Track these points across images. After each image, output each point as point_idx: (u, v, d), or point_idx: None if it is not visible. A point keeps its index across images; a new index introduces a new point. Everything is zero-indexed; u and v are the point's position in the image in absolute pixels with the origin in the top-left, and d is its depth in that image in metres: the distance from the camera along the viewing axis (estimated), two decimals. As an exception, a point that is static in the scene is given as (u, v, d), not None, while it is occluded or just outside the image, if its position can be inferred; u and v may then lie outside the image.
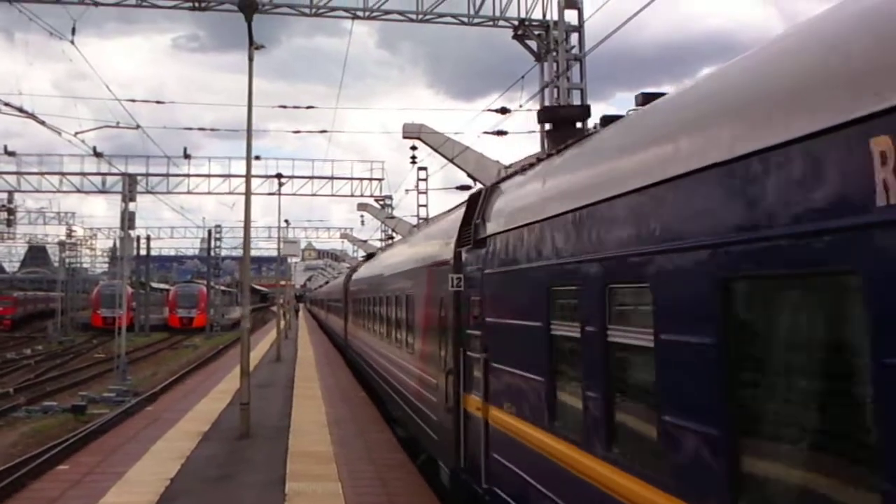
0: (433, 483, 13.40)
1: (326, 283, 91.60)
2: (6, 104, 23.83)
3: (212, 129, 73.38)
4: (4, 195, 60.97)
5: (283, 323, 45.91)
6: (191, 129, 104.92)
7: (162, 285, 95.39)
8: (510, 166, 26.94)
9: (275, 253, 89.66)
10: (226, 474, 13.77)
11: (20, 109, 24.30)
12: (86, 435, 21.78)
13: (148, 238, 74.13)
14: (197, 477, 13.54)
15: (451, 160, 26.67)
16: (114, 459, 15.07)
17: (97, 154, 39.25)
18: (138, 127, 31.38)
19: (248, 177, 18.04)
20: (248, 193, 18.00)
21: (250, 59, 17.35)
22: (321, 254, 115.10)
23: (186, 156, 51.11)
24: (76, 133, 29.99)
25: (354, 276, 37.49)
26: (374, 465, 14.70)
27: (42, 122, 25.49)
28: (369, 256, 41.69)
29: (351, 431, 18.08)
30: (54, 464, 17.81)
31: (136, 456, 15.16)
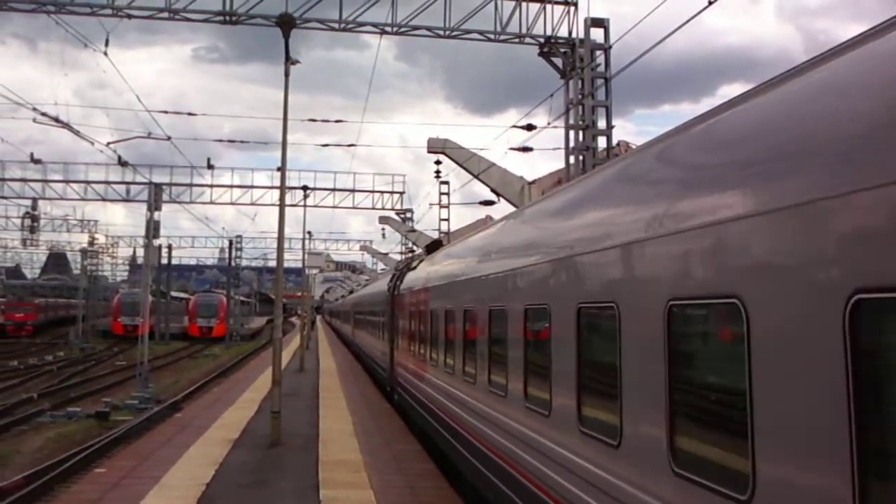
0: (463, 491, 13.62)
1: (350, 292, 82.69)
2: (43, 114, 24.34)
3: (241, 141, 74.26)
4: (28, 202, 61.83)
5: (304, 333, 46.01)
6: (221, 140, 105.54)
7: (181, 294, 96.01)
8: (534, 182, 27.34)
9: (293, 264, 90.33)
10: (260, 480, 14.06)
11: (56, 119, 24.84)
12: (112, 441, 22.16)
13: (170, 247, 74.80)
14: (232, 482, 13.83)
15: (476, 176, 27.02)
16: (149, 464, 15.38)
17: (123, 163, 39.63)
18: (169, 138, 31.87)
19: (282, 188, 18.39)
20: (282, 205, 18.35)
21: (286, 75, 17.70)
22: (340, 266, 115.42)
23: (210, 166, 51.76)
24: (108, 143, 30.50)
25: (410, 278, 23.52)
26: (403, 474, 14.94)
27: (77, 133, 26.00)
28: (433, 246, 27.43)
29: (378, 441, 18.33)
30: (81, 469, 18.21)
31: (170, 461, 15.46)
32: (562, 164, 23.33)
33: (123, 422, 26.45)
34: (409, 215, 53.62)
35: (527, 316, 9.67)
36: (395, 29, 25.61)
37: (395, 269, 37.74)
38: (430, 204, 44.33)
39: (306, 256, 48.88)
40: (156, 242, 38.74)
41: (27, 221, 65.86)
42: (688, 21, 11.56)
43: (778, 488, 4.59)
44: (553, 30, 24.84)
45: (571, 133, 22.81)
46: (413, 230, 50.31)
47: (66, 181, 55.92)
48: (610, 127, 22.87)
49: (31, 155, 48.82)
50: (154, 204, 36.33)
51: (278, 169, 19.21)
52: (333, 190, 55.20)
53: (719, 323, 5.56)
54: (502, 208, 28.04)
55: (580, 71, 23.23)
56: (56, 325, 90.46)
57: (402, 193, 54.24)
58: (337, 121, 61.53)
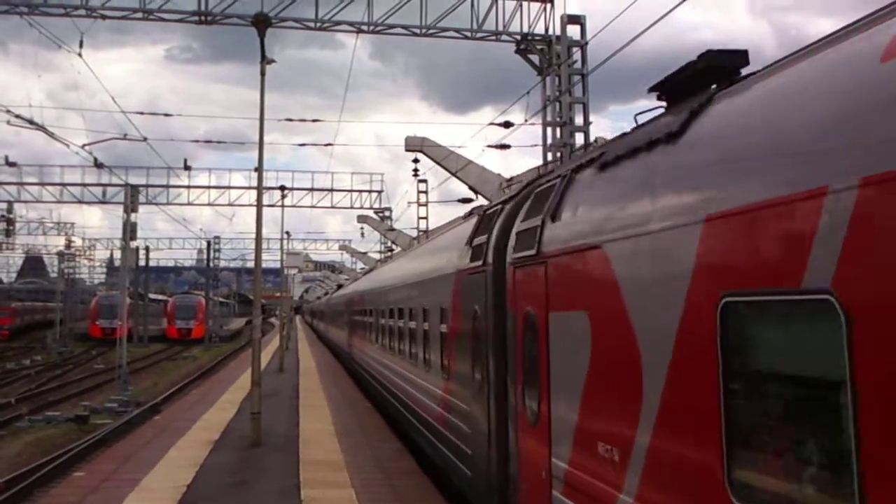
0: (444, 489, 13.63)
1: (339, 286, 66.80)
2: (17, 116, 24.14)
3: (218, 142, 73.64)
4: (3, 205, 61.32)
5: (283, 333, 45.87)
6: (197, 141, 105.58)
7: (159, 296, 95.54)
8: (512, 179, 27.36)
9: (272, 264, 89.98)
10: (241, 481, 14.01)
11: (30, 121, 24.63)
12: (91, 444, 22.06)
13: (147, 249, 74.40)
14: (213, 484, 13.77)
15: (454, 174, 27.01)
16: (128, 467, 15.29)
17: (98, 165, 39.37)
18: (145, 139, 31.71)
19: (259, 188, 18.32)
20: (259, 205, 18.29)
21: (262, 74, 17.63)
22: (319, 265, 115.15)
23: (187, 167, 51.48)
24: (84, 145, 30.32)
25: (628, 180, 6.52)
26: (384, 472, 14.94)
27: (52, 135, 25.80)
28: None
29: (359, 440, 18.31)
30: (61, 473, 18.15)
31: (150, 463, 15.37)
32: (539, 161, 23.40)
33: (103, 425, 26.36)
34: (387, 214, 53.60)
35: None
36: (371, 28, 25.60)
37: (482, 207, 14.13)
38: (409, 202, 44.33)
39: (285, 256, 48.76)
40: (133, 244, 38.51)
41: (2, 225, 65.31)
42: (663, 17, 11.57)
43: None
44: (530, 27, 24.95)
45: (549, 130, 22.88)
46: (392, 229, 50.24)
47: (42, 184, 55.59)
48: (587, 123, 22.95)
49: (6, 158, 48.51)
50: (130, 206, 36.10)
51: (255, 169, 19.18)
52: (311, 190, 55.18)
53: None
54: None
55: (557, 68, 23.30)
56: (33, 329, 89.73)
57: (380, 192, 54.31)
58: (314, 120, 61.06)
